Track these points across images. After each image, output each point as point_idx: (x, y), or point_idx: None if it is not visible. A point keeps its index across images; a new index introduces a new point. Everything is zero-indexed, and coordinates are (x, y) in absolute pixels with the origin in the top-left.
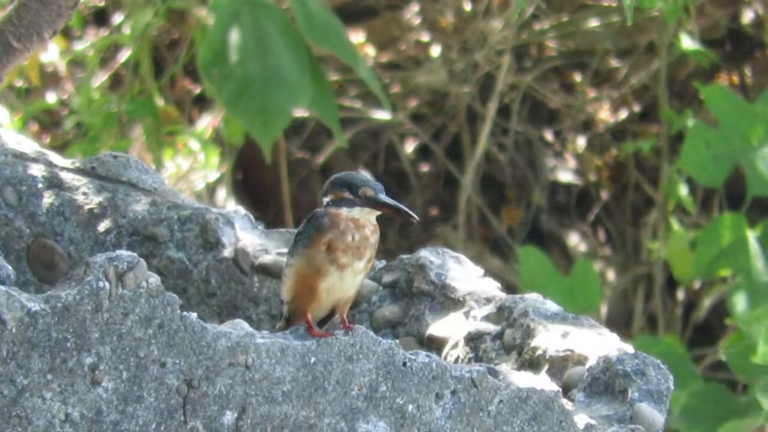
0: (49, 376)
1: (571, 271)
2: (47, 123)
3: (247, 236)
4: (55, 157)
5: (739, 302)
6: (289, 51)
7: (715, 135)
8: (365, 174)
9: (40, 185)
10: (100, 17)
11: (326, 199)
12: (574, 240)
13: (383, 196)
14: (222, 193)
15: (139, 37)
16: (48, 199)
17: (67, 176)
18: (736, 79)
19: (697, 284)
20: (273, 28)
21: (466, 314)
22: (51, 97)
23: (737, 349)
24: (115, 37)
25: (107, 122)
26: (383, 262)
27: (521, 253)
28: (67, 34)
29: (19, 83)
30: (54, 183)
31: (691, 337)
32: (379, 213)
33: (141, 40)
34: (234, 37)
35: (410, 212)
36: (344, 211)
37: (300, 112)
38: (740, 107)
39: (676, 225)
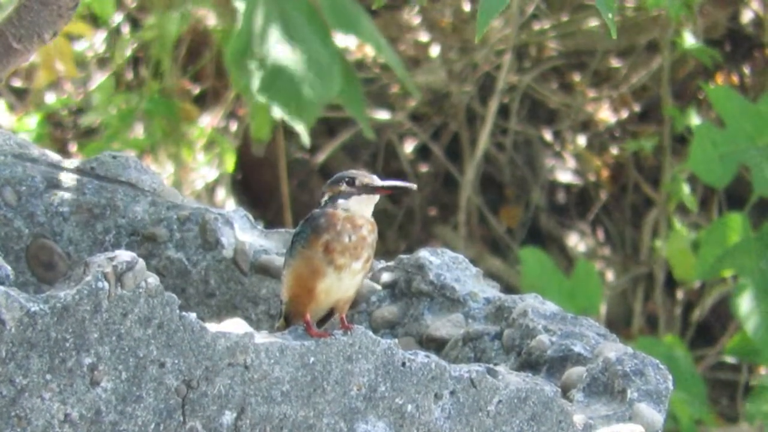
0: (48, 377)
1: (572, 272)
2: (66, 117)
3: (246, 236)
4: (54, 157)
5: (743, 304)
6: (318, 39)
7: (721, 135)
8: (359, 171)
9: (39, 185)
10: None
11: (324, 199)
12: (574, 240)
13: (379, 181)
14: (221, 193)
15: (164, 38)
16: (47, 199)
17: (66, 176)
18: (735, 78)
19: (696, 284)
20: (300, 18)
21: (465, 314)
22: (51, 98)
23: (758, 400)
24: (144, 35)
25: (124, 121)
26: (382, 263)
27: (523, 253)
28: (67, 35)
29: (18, 83)
30: (53, 183)
31: (690, 338)
32: (377, 199)
33: (163, 40)
34: (262, 27)
35: (407, 184)
36: (341, 206)
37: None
38: (745, 107)
39: (678, 224)
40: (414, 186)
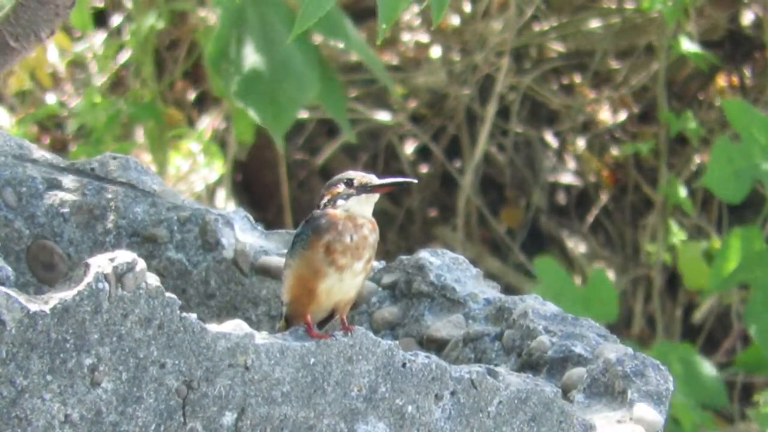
0: (49, 377)
1: (573, 275)
2: (50, 125)
3: (246, 237)
4: (54, 159)
5: (755, 315)
6: (296, 44)
7: (737, 150)
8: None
9: (39, 186)
10: (100, 18)
11: (323, 201)
12: (574, 241)
13: (377, 180)
14: (222, 194)
15: (143, 40)
16: (47, 200)
17: (66, 177)
18: (735, 80)
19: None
20: (278, 22)
21: (466, 315)
22: (51, 99)
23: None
24: (121, 42)
25: (109, 124)
26: (383, 263)
27: (537, 264)
28: (68, 35)
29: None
30: (54, 184)
31: (692, 340)
32: (377, 198)
33: (144, 43)
34: (240, 31)
35: (406, 179)
36: (341, 206)
37: (299, 113)
38: (760, 121)
39: (674, 227)
40: (414, 180)
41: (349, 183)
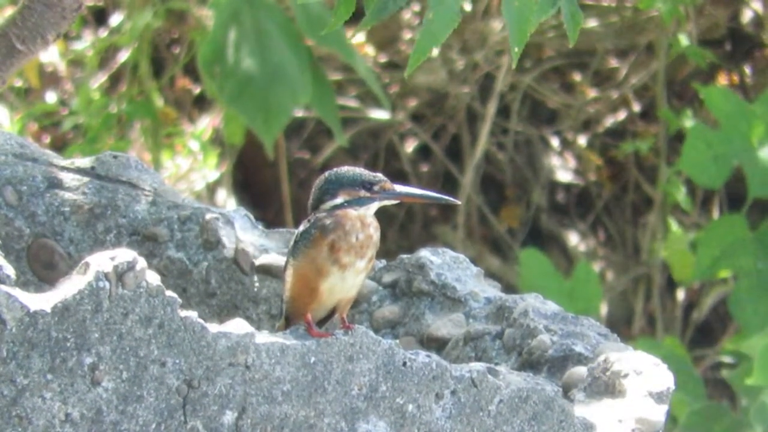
0: (49, 376)
1: (571, 274)
2: (47, 124)
3: (247, 236)
4: (55, 157)
5: (741, 303)
6: (289, 49)
7: (716, 136)
8: (360, 169)
9: (40, 185)
10: (100, 16)
11: (336, 201)
12: (574, 240)
13: (407, 187)
14: (222, 193)
15: (138, 38)
16: (48, 198)
17: (67, 176)
18: (736, 78)
19: (696, 284)
20: (273, 26)
21: (466, 314)
22: (51, 97)
23: (739, 371)
24: (114, 38)
25: (106, 123)
26: (383, 262)
27: (522, 255)
28: (65, 35)
29: (19, 83)
30: (54, 183)
31: (691, 337)
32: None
33: (140, 41)
34: (234, 35)
35: (445, 197)
36: (360, 210)
37: (300, 112)
38: (740, 108)
39: (674, 225)
40: (454, 200)
41: (368, 188)
